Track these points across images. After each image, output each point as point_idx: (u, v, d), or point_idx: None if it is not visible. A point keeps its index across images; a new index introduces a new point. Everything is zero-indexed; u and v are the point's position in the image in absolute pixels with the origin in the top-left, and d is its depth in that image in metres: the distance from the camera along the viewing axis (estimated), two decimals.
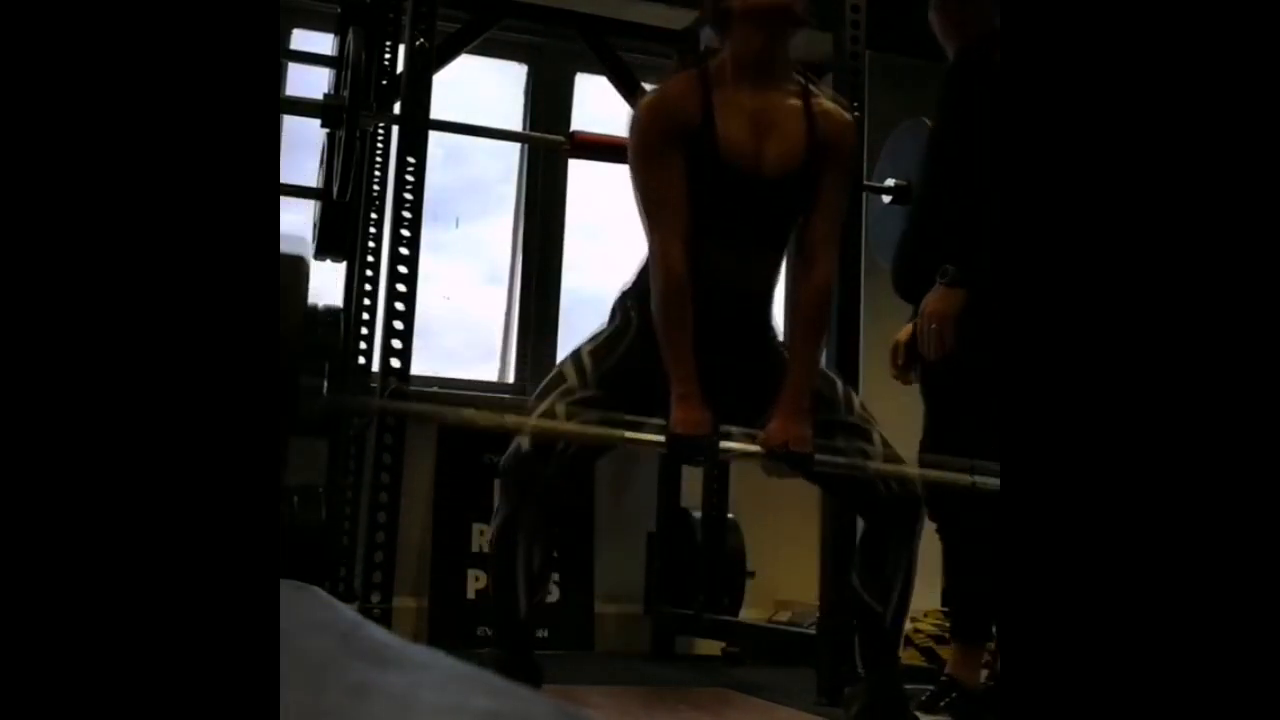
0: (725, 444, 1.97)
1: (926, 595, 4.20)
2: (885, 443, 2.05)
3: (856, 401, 2.11)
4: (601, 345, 2.08)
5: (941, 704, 2.32)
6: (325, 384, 3.20)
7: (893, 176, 3.25)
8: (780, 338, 2.15)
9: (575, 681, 2.95)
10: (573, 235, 4.65)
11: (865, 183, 3.14)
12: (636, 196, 2.02)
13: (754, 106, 2.02)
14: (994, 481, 1.82)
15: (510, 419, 2.02)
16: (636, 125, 2.02)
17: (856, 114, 2.98)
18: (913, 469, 2.05)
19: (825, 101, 2.09)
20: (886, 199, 3.25)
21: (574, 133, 3.17)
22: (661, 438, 1.93)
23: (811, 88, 2.09)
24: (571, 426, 1.96)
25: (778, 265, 2.13)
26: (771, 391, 2.04)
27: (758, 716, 2.76)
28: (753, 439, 2.04)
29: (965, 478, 2.00)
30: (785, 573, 4.07)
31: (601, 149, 3.16)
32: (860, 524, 2.20)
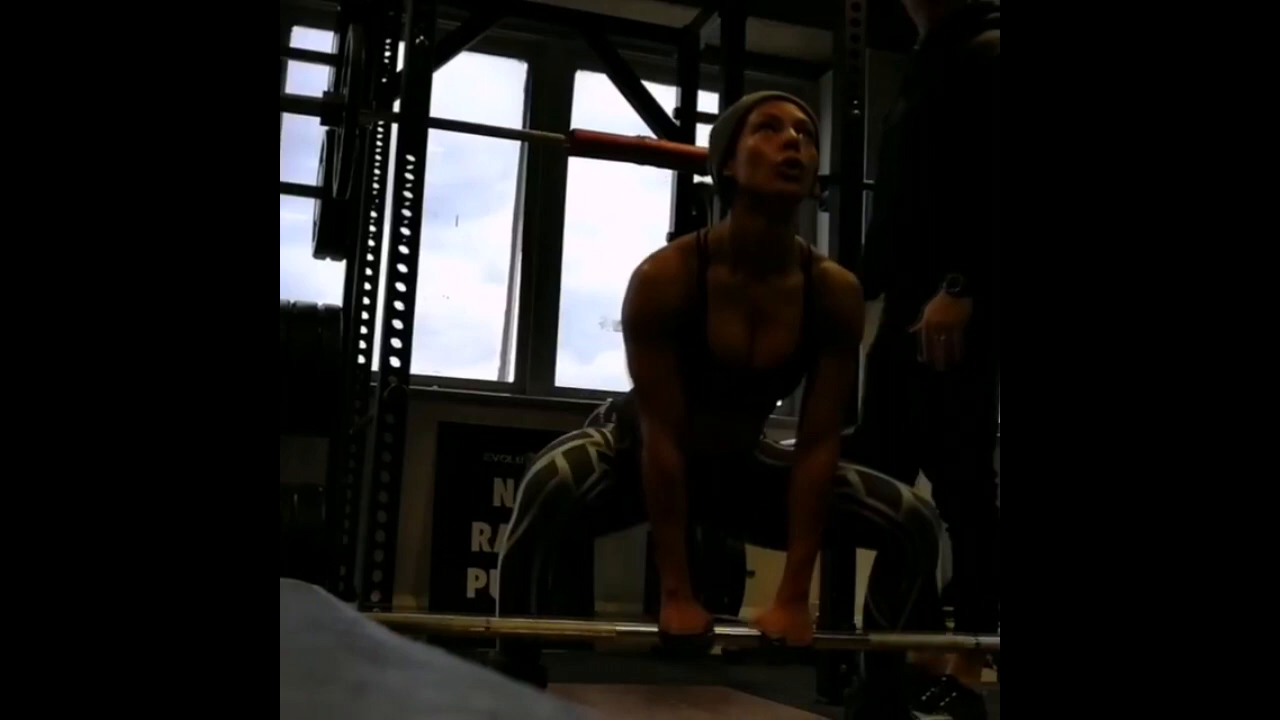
0: (722, 630, 1.93)
1: None
2: (864, 472, 2.01)
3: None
4: (618, 424, 2.00)
5: (942, 704, 2.31)
6: None
7: None
8: (763, 449, 2.11)
9: (576, 680, 2.95)
10: (572, 233, 4.66)
11: (865, 180, 3.14)
12: (630, 373, 1.96)
13: (750, 297, 1.94)
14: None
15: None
16: (629, 304, 1.93)
17: (856, 112, 3.00)
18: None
19: (827, 267, 2.01)
20: None
21: (574, 131, 3.17)
22: (654, 629, 1.89)
23: (814, 250, 2.01)
24: (557, 626, 1.94)
25: (766, 417, 2.08)
26: (756, 504, 2.03)
27: (757, 715, 2.76)
28: (751, 536, 2.06)
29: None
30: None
31: (601, 147, 3.16)
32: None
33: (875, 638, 1.99)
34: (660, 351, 1.90)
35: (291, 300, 3.87)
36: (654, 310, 1.91)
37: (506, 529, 1.94)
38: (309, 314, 3.88)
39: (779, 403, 2.09)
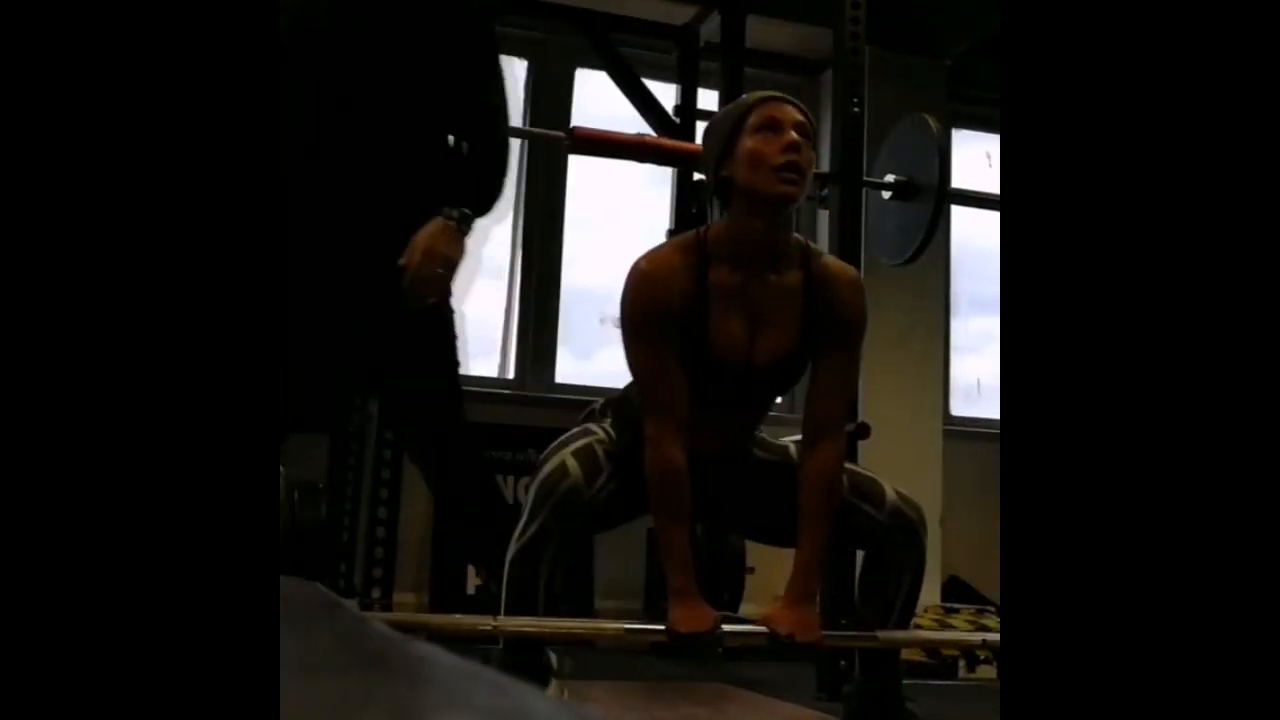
0: (730, 628, 1.92)
1: (927, 591, 4.21)
2: (854, 474, 2.01)
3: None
4: (616, 419, 2.00)
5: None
6: None
7: (893, 173, 3.25)
8: (763, 443, 2.11)
9: (576, 677, 2.95)
10: (572, 230, 4.66)
11: (865, 179, 3.14)
12: (631, 370, 1.95)
13: (750, 293, 1.92)
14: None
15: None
16: (628, 302, 1.92)
17: (856, 110, 3.00)
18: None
19: (828, 265, 1.99)
20: (886, 195, 3.25)
21: (574, 128, 3.17)
22: (661, 628, 1.88)
23: (812, 247, 2.00)
24: (562, 625, 1.93)
25: (761, 419, 2.08)
26: (758, 500, 2.03)
27: (757, 712, 2.76)
28: (754, 532, 2.07)
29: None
30: (785, 569, 4.04)
31: (601, 144, 3.16)
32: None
33: (882, 635, 1.99)
34: (661, 348, 1.89)
35: None
36: (654, 307, 1.90)
37: (516, 530, 1.93)
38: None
39: (778, 399, 2.08)
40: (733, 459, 2.05)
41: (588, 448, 1.93)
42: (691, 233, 2.00)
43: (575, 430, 2.03)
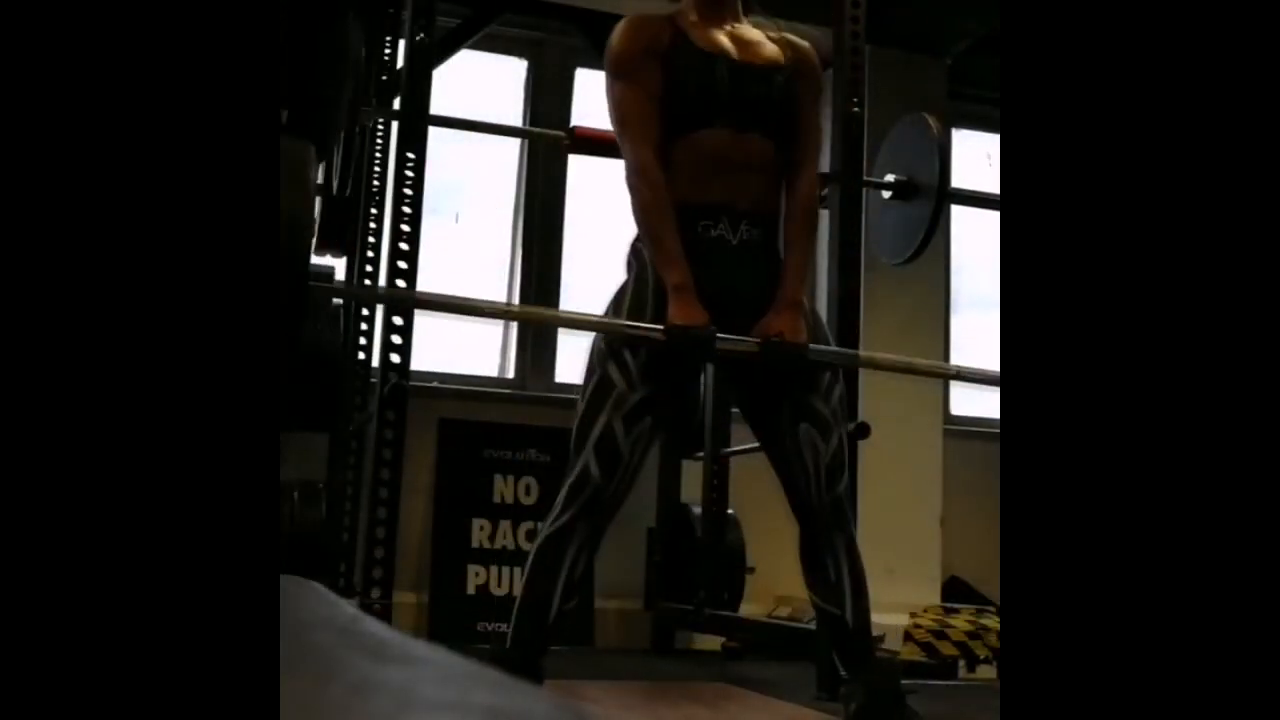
0: (722, 336, 2.00)
1: (925, 590, 4.22)
2: (839, 446, 2.07)
3: (837, 397, 2.11)
4: (630, 309, 2.09)
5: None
6: None
7: (893, 172, 3.25)
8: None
9: (576, 676, 2.95)
10: (573, 230, 4.66)
11: (865, 178, 3.14)
12: (611, 113, 2.13)
13: (724, 31, 2.16)
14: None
15: (517, 311, 2.00)
16: (613, 44, 2.14)
17: (856, 109, 3.00)
18: (894, 359, 2.18)
19: (786, 35, 2.24)
20: (886, 194, 3.25)
21: (574, 128, 3.17)
22: (660, 328, 1.98)
23: (769, 28, 2.24)
24: (578, 316, 2.09)
25: (773, 157, 2.15)
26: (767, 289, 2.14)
27: (758, 711, 2.76)
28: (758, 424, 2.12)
29: (950, 369, 1.98)
30: (785, 568, 4.05)
31: (602, 144, 3.15)
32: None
33: (865, 354, 2.12)
34: (642, 77, 2.09)
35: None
36: (638, 41, 2.11)
37: (547, 518, 2.03)
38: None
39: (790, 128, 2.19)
40: (755, 238, 2.11)
41: (607, 430, 2.00)
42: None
43: (593, 385, 2.07)
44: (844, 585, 2.06)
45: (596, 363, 2.08)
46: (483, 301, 2.25)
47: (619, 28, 2.16)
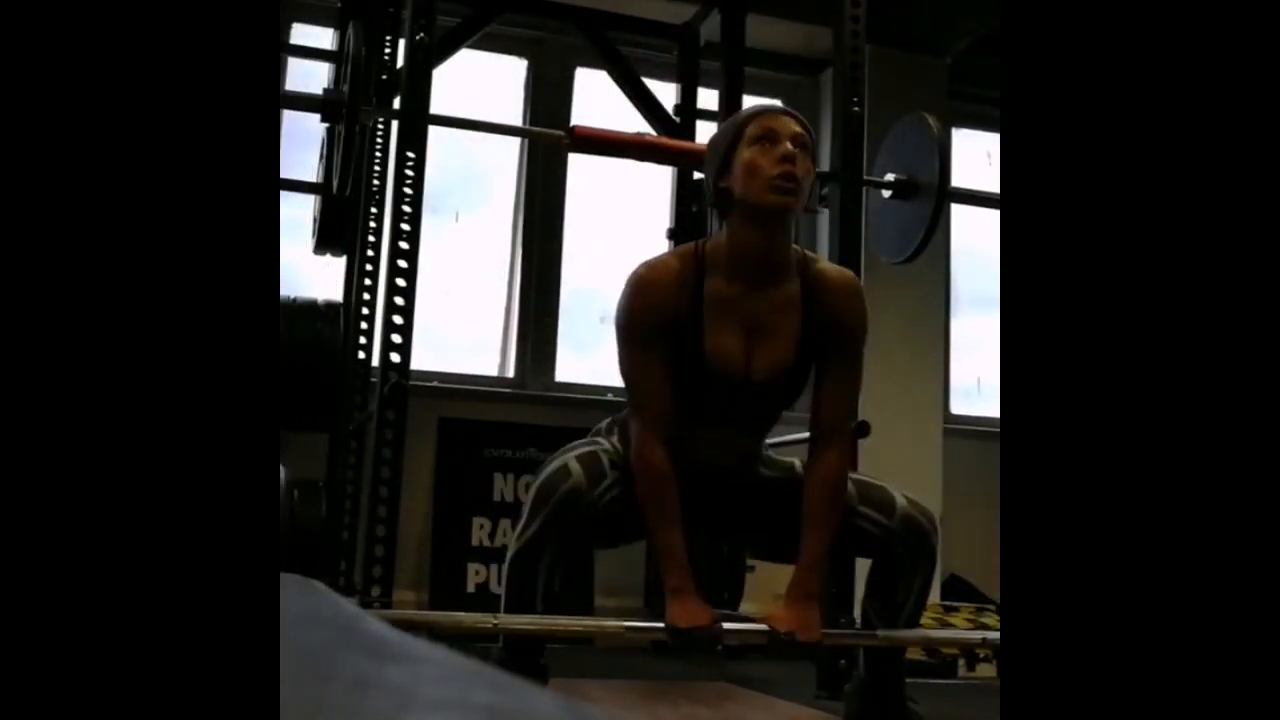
0: (730, 626, 1.94)
1: None
2: (862, 482, 2.01)
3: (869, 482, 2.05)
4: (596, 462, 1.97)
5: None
6: None
7: (893, 171, 3.25)
8: (767, 462, 2.11)
9: (576, 675, 2.95)
10: (572, 229, 4.66)
11: (865, 177, 3.14)
12: (622, 373, 1.98)
13: (747, 305, 1.94)
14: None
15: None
16: (624, 307, 1.95)
17: (856, 109, 3.00)
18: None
19: (825, 271, 2.00)
20: (886, 193, 3.25)
21: (574, 127, 3.17)
22: (662, 625, 1.89)
23: (808, 254, 2.02)
24: (564, 623, 1.96)
25: (768, 430, 2.08)
26: (760, 517, 2.04)
27: (757, 710, 2.76)
28: (753, 549, 2.09)
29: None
30: (785, 567, 4.07)
31: (601, 144, 3.16)
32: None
33: (882, 634, 1.99)
34: (652, 354, 1.92)
35: (292, 296, 3.87)
36: (649, 313, 1.92)
37: (516, 529, 1.94)
38: (309, 310, 3.88)
39: (781, 414, 2.08)
40: (737, 477, 2.05)
41: (592, 454, 1.94)
42: (691, 244, 2.02)
43: (581, 441, 2.03)
44: (904, 611, 2.00)
45: (592, 435, 2.06)
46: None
47: (636, 283, 1.94)
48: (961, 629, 3.55)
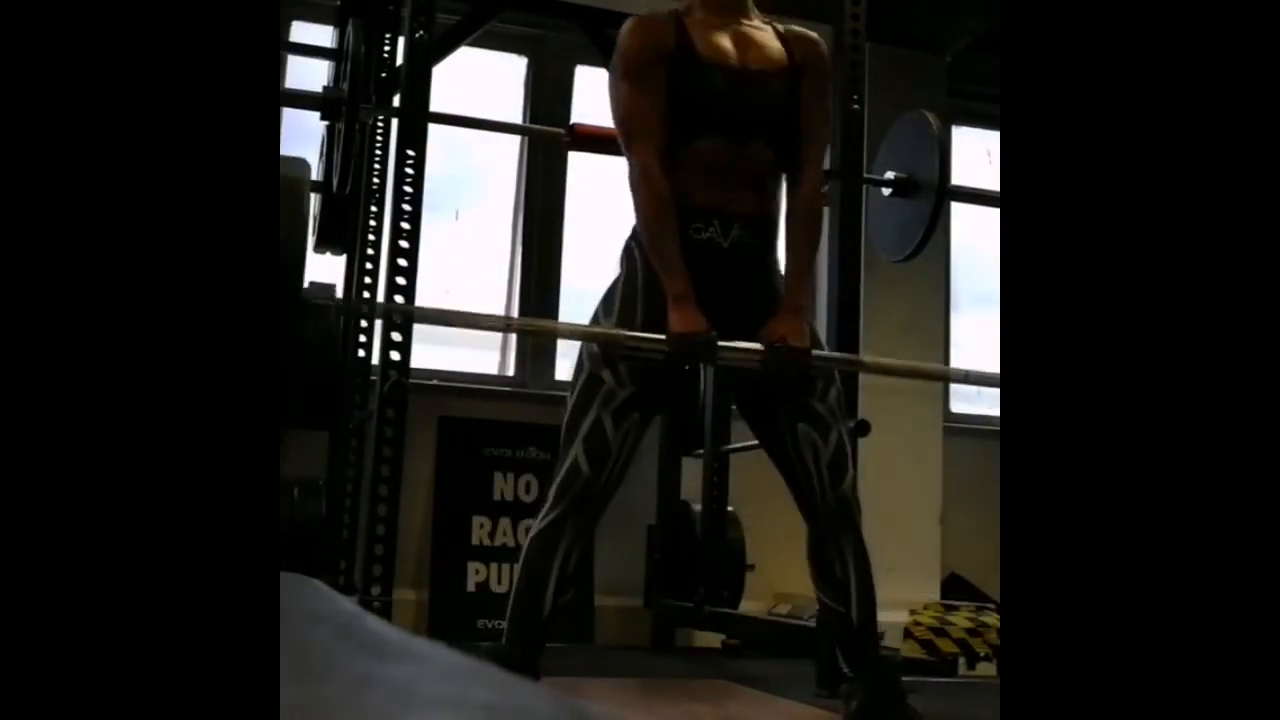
0: (725, 345, 2.02)
1: (925, 587, 4.22)
2: (840, 443, 2.09)
3: (834, 392, 2.12)
4: (620, 309, 2.10)
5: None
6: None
7: (893, 169, 3.25)
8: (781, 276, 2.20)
9: (575, 674, 2.96)
10: (572, 228, 4.65)
11: (865, 175, 3.13)
12: (616, 116, 2.12)
13: (729, 31, 2.14)
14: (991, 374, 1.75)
15: (517, 323, 2.03)
16: (621, 47, 2.12)
17: (856, 107, 3.00)
18: (901, 365, 2.18)
19: (794, 28, 2.21)
20: (886, 191, 3.25)
21: (574, 125, 3.17)
22: (662, 338, 2.00)
23: (776, 22, 2.21)
24: (579, 329, 2.07)
25: (773, 164, 2.16)
26: (765, 299, 2.12)
27: (757, 708, 2.76)
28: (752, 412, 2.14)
29: (959, 371, 1.99)
30: (785, 566, 4.07)
31: (602, 141, 3.15)
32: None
33: (870, 359, 2.13)
34: (648, 82, 2.07)
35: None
36: (647, 44, 2.09)
37: (539, 514, 2.06)
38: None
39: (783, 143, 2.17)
40: (750, 240, 2.11)
41: (595, 428, 2.03)
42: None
43: (583, 381, 2.09)
44: (850, 584, 2.07)
45: (585, 360, 2.11)
46: (483, 315, 2.24)
47: (627, 29, 2.15)
48: (961, 626, 3.55)
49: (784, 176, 2.16)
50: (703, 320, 1.99)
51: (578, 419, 2.05)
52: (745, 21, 2.17)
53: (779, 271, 2.17)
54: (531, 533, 2.06)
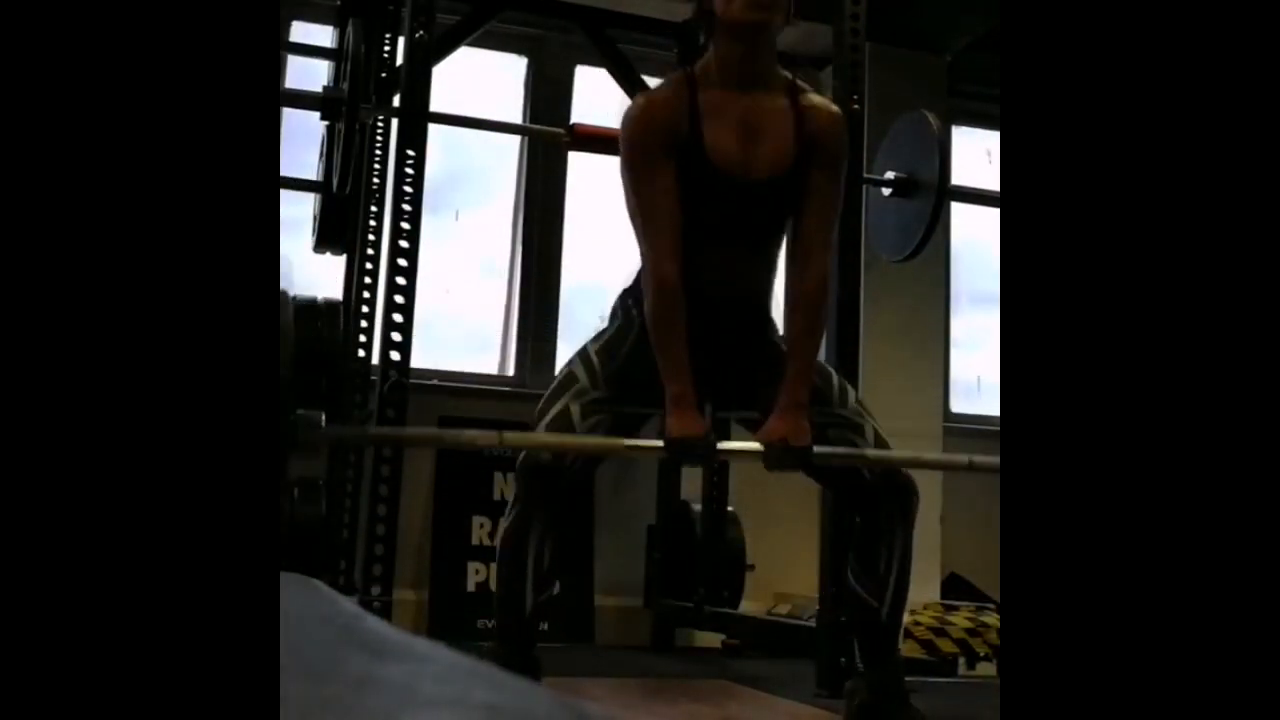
0: (723, 444, 2.01)
1: (925, 587, 4.22)
2: (878, 435, 2.08)
3: (851, 395, 2.12)
4: (606, 345, 2.11)
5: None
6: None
7: (893, 169, 3.25)
8: (779, 333, 2.17)
9: (575, 674, 2.96)
10: (572, 228, 4.65)
11: (865, 175, 3.13)
12: (628, 203, 2.06)
13: (741, 110, 2.06)
14: (993, 461, 1.79)
15: (510, 436, 2.01)
16: (626, 133, 2.05)
17: (856, 107, 3.00)
18: (902, 456, 2.10)
19: (813, 97, 2.13)
20: (886, 191, 3.25)
21: (574, 125, 3.17)
22: (660, 443, 1.98)
23: (799, 83, 2.13)
24: (572, 440, 2.01)
25: (772, 264, 2.15)
26: (769, 383, 2.07)
27: (757, 708, 2.76)
28: (753, 424, 2.10)
29: (961, 459, 2.01)
30: (785, 565, 4.08)
31: (601, 141, 3.16)
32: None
33: (872, 454, 2.05)
34: (658, 172, 2.01)
35: (291, 294, 3.86)
36: (651, 130, 2.02)
37: (506, 511, 2.05)
38: (309, 308, 3.87)
39: (783, 234, 2.15)
40: (748, 325, 2.12)
41: (563, 414, 2.04)
42: (680, 70, 2.16)
43: (557, 381, 2.12)
44: (890, 581, 2.06)
45: (567, 364, 2.14)
46: (477, 433, 2.22)
47: (634, 114, 2.07)
48: (960, 625, 3.55)
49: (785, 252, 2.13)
50: (701, 423, 1.98)
51: (545, 409, 2.08)
52: (762, 94, 2.07)
53: (772, 324, 2.16)
54: (499, 532, 2.04)
